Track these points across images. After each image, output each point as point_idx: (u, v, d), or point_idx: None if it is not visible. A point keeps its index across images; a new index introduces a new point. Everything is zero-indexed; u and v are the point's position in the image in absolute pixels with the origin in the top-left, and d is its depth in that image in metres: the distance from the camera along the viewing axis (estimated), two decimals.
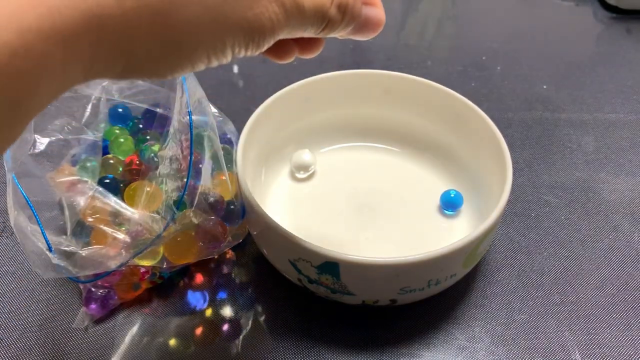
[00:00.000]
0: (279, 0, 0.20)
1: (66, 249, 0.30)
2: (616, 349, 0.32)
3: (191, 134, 0.30)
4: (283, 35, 0.21)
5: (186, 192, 0.31)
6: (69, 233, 0.32)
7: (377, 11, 0.25)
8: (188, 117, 0.31)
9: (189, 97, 0.31)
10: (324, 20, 0.22)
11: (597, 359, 0.32)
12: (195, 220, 0.32)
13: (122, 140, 0.35)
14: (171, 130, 0.31)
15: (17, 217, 0.29)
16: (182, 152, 0.32)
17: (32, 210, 0.30)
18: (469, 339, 0.33)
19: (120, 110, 0.36)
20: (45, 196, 0.32)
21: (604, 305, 0.35)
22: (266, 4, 0.20)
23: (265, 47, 0.21)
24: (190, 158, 0.30)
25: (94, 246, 0.30)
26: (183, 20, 0.18)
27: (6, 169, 0.30)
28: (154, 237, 0.31)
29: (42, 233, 0.29)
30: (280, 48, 0.25)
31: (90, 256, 0.30)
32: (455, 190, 0.38)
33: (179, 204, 0.31)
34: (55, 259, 0.29)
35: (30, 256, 0.30)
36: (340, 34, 0.24)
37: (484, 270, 0.36)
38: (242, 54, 0.21)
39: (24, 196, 0.29)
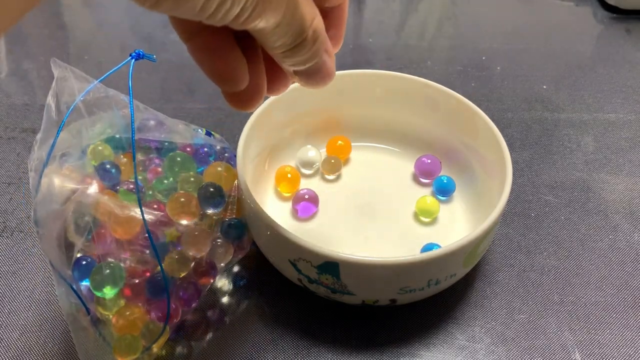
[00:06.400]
0: None
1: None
2: (616, 349, 0.32)
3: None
4: (264, 20, 0.19)
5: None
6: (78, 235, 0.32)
7: (332, 63, 0.24)
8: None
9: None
10: (302, 33, 0.21)
11: (597, 359, 0.32)
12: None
13: (100, 148, 0.35)
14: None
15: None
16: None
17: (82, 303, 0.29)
18: (469, 339, 0.33)
19: None
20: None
21: (604, 305, 0.35)
22: None
23: (251, 21, 0.19)
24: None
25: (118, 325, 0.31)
26: None
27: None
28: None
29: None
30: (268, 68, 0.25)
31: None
32: (446, 176, 0.39)
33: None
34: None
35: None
36: (295, 64, 0.23)
37: (484, 270, 0.36)
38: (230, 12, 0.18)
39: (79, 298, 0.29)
